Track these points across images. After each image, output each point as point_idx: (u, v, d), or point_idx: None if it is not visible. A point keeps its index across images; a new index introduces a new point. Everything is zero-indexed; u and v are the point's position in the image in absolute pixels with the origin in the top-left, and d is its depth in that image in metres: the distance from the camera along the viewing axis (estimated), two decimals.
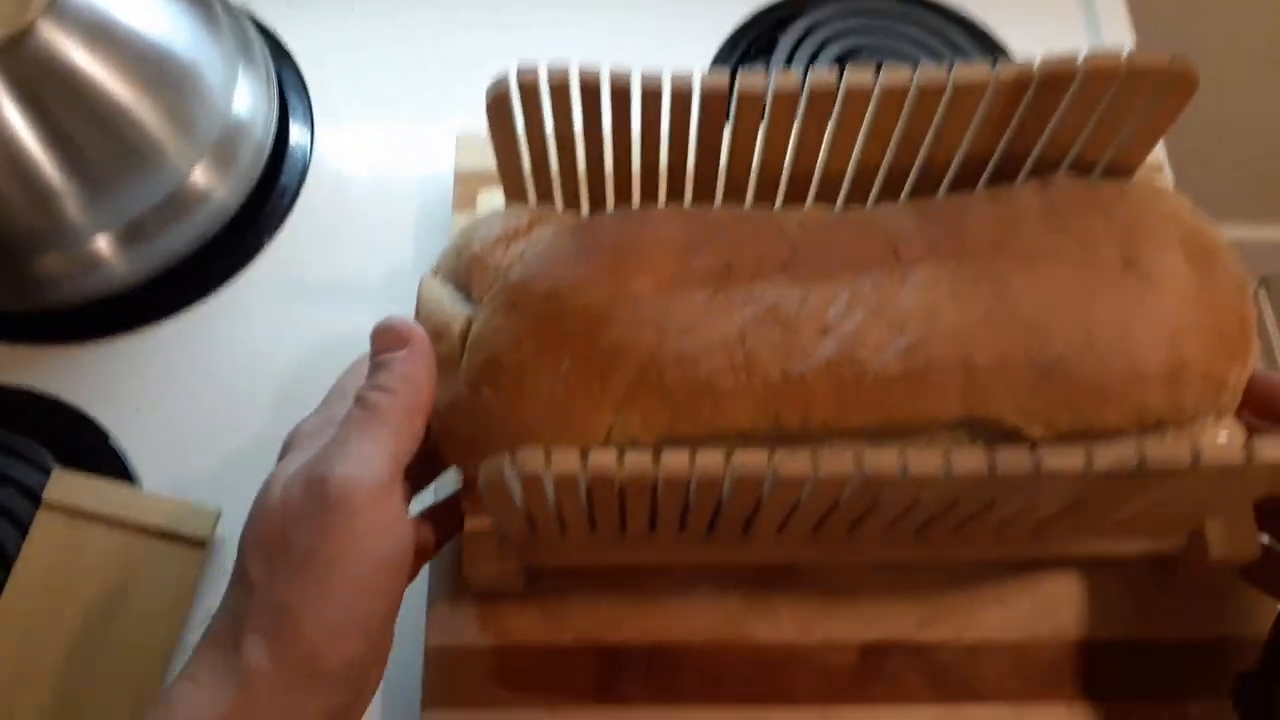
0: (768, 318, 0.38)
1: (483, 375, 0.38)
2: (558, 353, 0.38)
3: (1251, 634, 0.45)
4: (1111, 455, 0.33)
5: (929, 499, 0.37)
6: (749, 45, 0.64)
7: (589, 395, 0.38)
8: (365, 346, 0.39)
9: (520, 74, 0.39)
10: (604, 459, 0.34)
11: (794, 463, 0.34)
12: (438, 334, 0.40)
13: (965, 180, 0.44)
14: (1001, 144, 0.42)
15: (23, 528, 0.50)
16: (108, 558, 0.50)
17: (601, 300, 0.38)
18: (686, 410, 0.37)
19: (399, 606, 0.36)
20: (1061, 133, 0.41)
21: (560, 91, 0.39)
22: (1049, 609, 0.46)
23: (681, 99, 0.39)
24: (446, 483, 0.48)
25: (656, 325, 0.38)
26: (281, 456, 0.37)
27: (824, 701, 0.45)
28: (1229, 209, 1.25)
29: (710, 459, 0.34)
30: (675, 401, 0.37)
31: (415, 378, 0.36)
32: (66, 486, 0.51)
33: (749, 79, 0.39)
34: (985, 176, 0.44)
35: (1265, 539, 0.42)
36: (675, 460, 0.34)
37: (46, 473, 0.51)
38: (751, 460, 0.34)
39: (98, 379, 0.56)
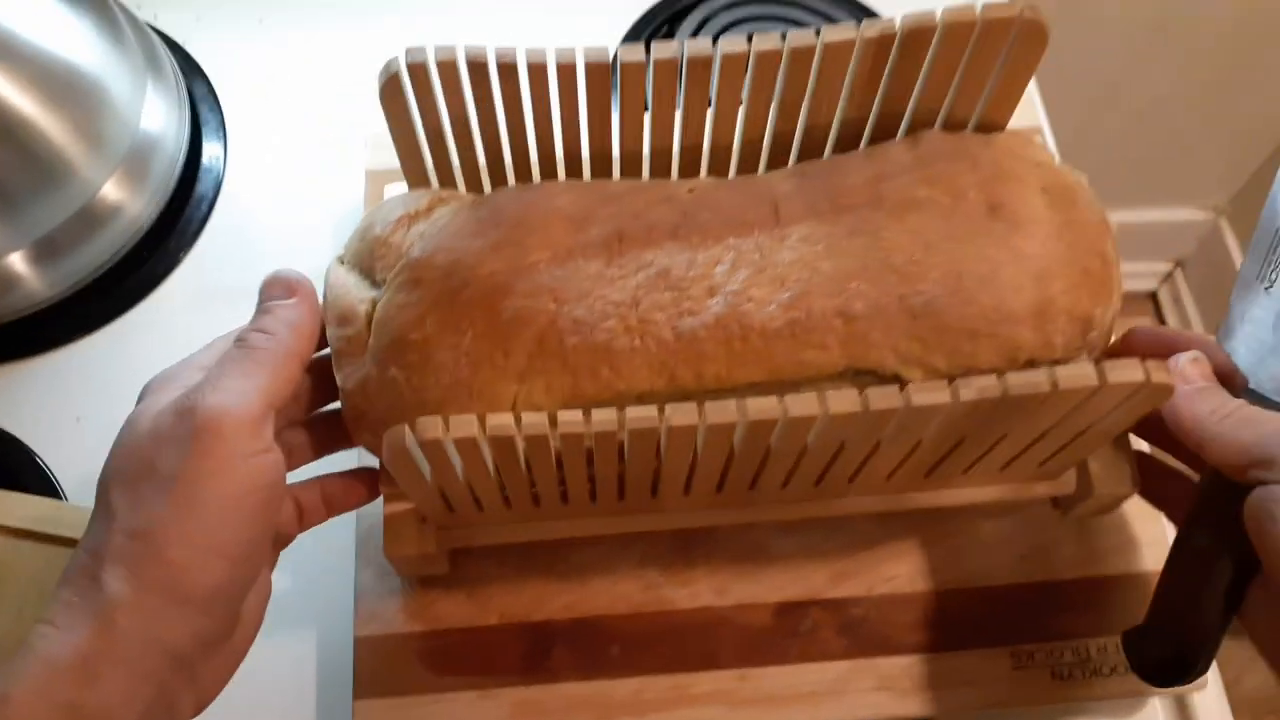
0: (659, 281, 0.39)
1: (389, 355, 0.39)
2: (459, 326, 0.39)
3: (1146, 570, 0.47)
4: (976, 385, 0.35)
5: (817, 445, 0.38)
6: (650, 35, 0.65)
7: (493, 367, 0.39)
8: None
9: (409, 55, 0.40)
10: (501, 420, 0.35)
11: (683, 413, 0.35)
12: (344, 319, 0.41)
13: (847, 145, 0.45)
14: (875, 104, 0.44)
15: None
16: (37, 572, 0.50)
17: (501, 272, 0.39)
18: (586, 374, 0.39)
19: (268, 537, 0.36)
20: (930, 89, 0.43)
21: (448, 70, 0.41)
22: (954, 559, 0.48)
23: (568, 73, 0.41)
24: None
25: (554, 294, 0.39)
26: (140, 400, 0.37)
27: (744, 663, 0.46)
28: (1144, 193, 1.29)
29: (604, 414, 0.35)
30: (575, 366, 0.39)
31: (298, 324, 0.37)
32: None
33: (630, 50, 0.41)
34: (864, 139, 0.45)
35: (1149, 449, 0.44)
36: (571, 417, 0.35)
37: None
38: (644, 412, 0.35)
39: (21, 398, 0.56)
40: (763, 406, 0.35)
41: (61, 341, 0.57)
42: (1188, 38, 1.03)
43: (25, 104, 0.52)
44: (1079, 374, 0.35)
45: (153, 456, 0.34)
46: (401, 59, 0.41)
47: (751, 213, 0.41)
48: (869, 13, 0.67)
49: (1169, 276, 1.43)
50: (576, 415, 0.35)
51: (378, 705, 0.45)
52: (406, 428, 0.35)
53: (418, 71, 0.41)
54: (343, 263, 0.44)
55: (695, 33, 0.65)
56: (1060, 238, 0.40)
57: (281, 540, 0.42)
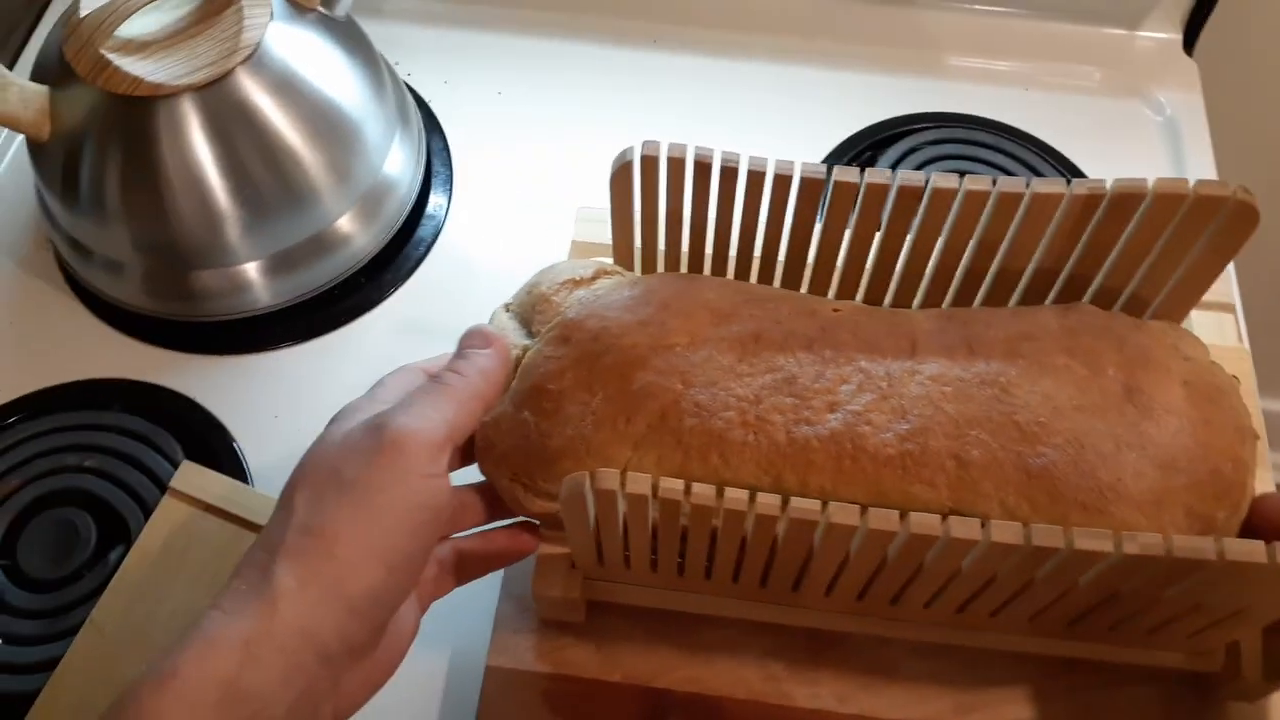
0: (784, 386, 0.42)
1: (526, 398, 0.43)
2: (593, 387, 0.42)
3: None
4: (1141, 540, 0.35)
5: (970, 571, 0.39)
6: (850, 160, 0.69)
7: (614, 429, 0.42)
8: None
9: (644, 147, 0.44)
10: (672, 484, 0.38)
11: (845, 513, 0.37)
12: None
13: (1033, 299, 0.47)
14: (1070, 261, 0.45)
15: (147, 509, 0.56)
16: (218, 546, 0.54)
17: (640, 347, 0.42)
18: (697, 456, 0.41)
19: (425, 556, 0.38)
20: (1127, 256, 0.44)
21: (676, 166, 0.44)
22: (1082, 715, 0.47)
23: (783, 183, 0.44)
24: None
25: (684, 377, 0.42)
26: (329, 425, 0.41)
27: None
28: None
29: (768, 499, 0.37)
30: (688, 446, 0.41)
31: (489, 372, 0.41)
32: (191, 478, 0.56)
33: (844, 170, 0.44)
34: (1052, 295, 0.47)
35: None
36: (736, 495, 0.37)
37: (175, 464, 0.57)
38: (807, 504, 0.37)
39: (231, 388, 0.62)
40: (926, 521, 0.36)
41: (274, 345, 0.63)
42: None
43: (295, 137, 0.59)
44: (1248, 549, 0.35)
45: (339, 464, 0.37)
46: (637, 150, 0.45)
47: (888, 342, 0.43)
48: (1076, 171, 0.68)
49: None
50: (741, 495, 0.38)
51: None
52: (587, 474, 0.38)
53: (648, 163, 0.45)
54: (508, 310, 0.48)
55: (896, 164, 0.68)
56: (1194, 434, 0.40)
57: (442, 587, 0.44)
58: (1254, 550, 0.35)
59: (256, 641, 0.34)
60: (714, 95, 0.73)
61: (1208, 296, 0.46)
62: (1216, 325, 0.51)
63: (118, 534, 0.56)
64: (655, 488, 0.37)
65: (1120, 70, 0.73)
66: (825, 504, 0.37)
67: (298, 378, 0.63)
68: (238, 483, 0.57)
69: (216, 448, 0.59)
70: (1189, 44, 0.74)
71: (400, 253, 0.67)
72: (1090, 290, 0.46)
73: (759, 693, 0.48)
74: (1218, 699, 0.46)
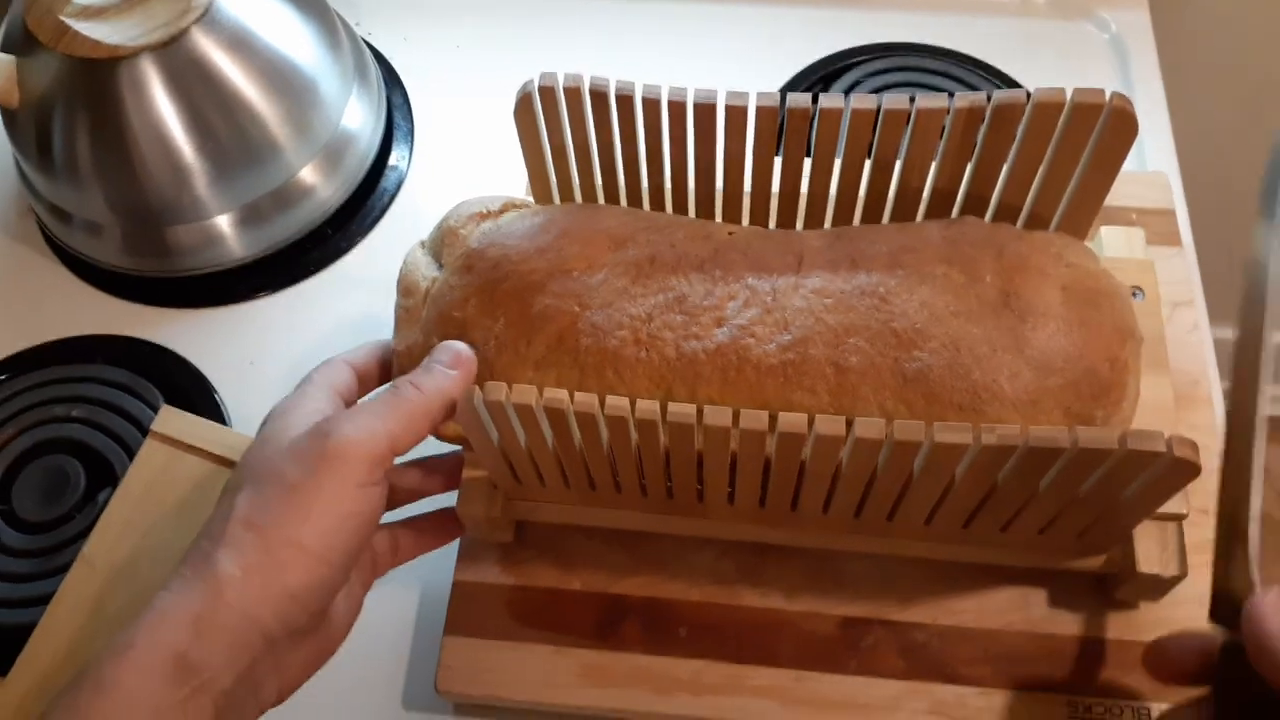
0: (675, 305, 0.44)
1: (434, 326, 0.46)
2: (494, 313, 0.45)
3: None
4: (999, 432, 0.37)
5: (848, 471, 0.41)
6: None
7: (515, 353, 0.44)
8: None
9: (541, 79, 0.46)
10: (557, 394, 0.40)
11: (718, 415, 0.39)
12: (408, 291, 0.48)
13: (936, 216, 0.48)
14: (965, 179, 0.46)
15: (130, 452, 0.60)
16: (199, 483, 0.58)
17: (539, 272, 0.45)
18: (593, 374, 0.43)
19: (358, 553, 0.41)
20: (1018, 171, 0.45)
21: (574, 96, 0.46)
22: (1024, 603, 0.49)
23: (678, 111, 0.46)
24: None
25: (580, 299, 0.44)
26: (264, 424, 0.43)
27: (801, 666, 0.49)
28: None
29: (646, 405, 0.39)
30: (584, 365, 0.44)
31: (446, 390, 0.42)
32: (171, 421, 0.59)
33: (735, 95, 0.45)
34: (954, 214, 0.48)
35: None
36: (616, 402, 0.39)
37: (156, 410, 0.60)
38: (680, 409, 0.39)
39: (208, 338, 0.65)
40: (795, 420, 0.38)
41: (247, 296, 0.67)
42: None
43: (252, 92, 0.62)
44: (1100, 436, 0.36)
45: (283, 467, 0.39)
46: (535, 81, 0.47)
47: (776, 260, 0.44)
48: (1010, 83, 0.68)
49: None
50: (623, 402, 0.39)
51: (464, 643, 0.50)
52: (477, 388, 0.40)
53: (547, 95, 0.46)
54: (423, 246, 0.50)
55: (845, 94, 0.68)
56: (1070, 336, 0.41)
57: (380, 569, 0.47)
58: (1105, 438, 0.36)
59: (204, 619, 0.37)
60: (668, 38, 0.75)
61: (1125, 206, 0.46)
62: (1125, 239, 0.52)
63: (105, 477, 0.60)
64: (539, 398, 0.40)
65: None
66: (700, 408, 0.39)
67: (270, 326, 0.66)
68: (215, 424, 0.60)
69: (195, 394, 0.63)
70: None
71: (364, 204, 0.69)
72: (990, 208, 0.47)
73: (711, 594, 0.51)
74: (1121, 599, 0.47)
